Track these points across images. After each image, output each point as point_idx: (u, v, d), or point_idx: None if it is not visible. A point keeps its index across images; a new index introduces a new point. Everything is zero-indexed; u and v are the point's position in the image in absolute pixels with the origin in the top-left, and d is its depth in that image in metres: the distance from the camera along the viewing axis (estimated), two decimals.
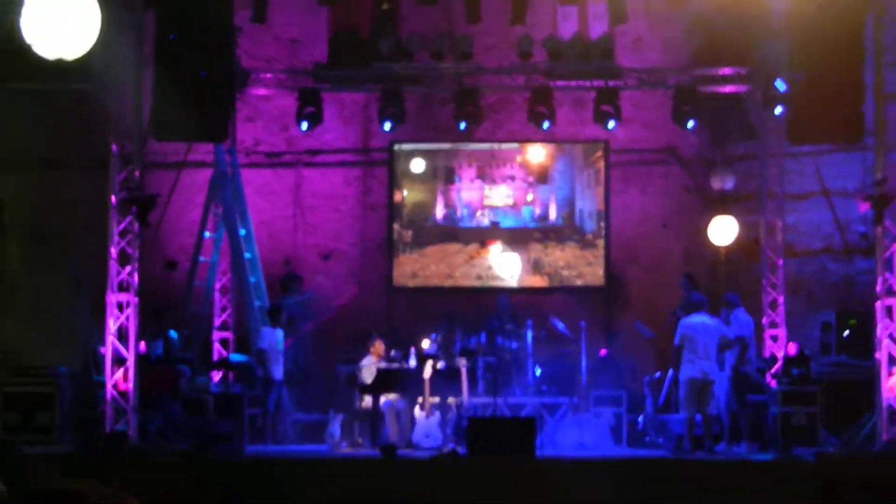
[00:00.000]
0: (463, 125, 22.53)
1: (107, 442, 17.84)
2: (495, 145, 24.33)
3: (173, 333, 20.33)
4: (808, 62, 18.77)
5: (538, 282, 24.06)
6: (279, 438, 20.37)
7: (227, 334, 22.63)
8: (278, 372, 20.60)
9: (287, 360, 21.11)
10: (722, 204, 23.90)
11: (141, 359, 18.76)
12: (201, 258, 22.27)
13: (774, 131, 22.36)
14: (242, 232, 22.17)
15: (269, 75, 23.35)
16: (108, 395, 18.19)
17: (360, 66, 22.65)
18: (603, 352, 21.77)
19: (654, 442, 20.02)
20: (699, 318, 18.91)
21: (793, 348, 20.82)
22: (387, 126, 22.62)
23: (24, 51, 17.59)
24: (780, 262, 22.49)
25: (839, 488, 15.75)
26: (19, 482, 7.46)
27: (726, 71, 22.66)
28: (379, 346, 20.54)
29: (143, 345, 19.17)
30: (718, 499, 16.32)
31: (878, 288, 18.50)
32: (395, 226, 24.30)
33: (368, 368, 20.10)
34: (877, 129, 18.77)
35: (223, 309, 22.68)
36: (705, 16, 23.49)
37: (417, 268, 24.20)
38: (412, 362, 19.91)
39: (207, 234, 22.23)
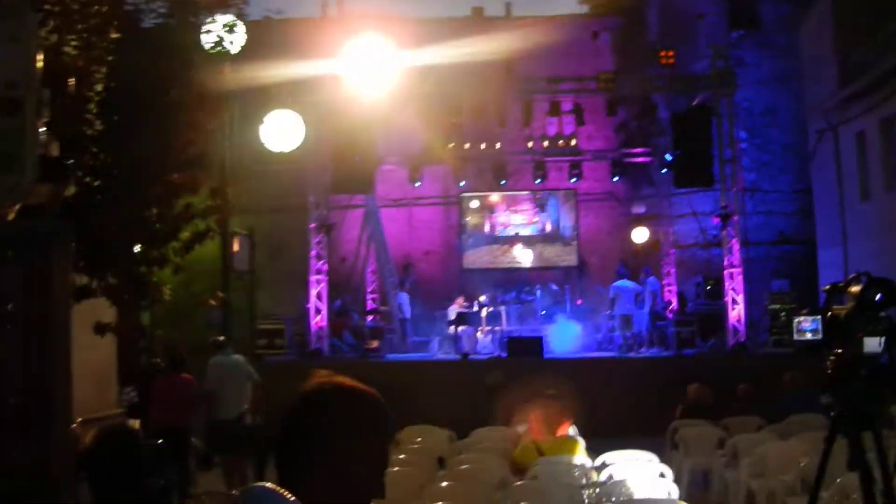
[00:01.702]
0: (503, 182, 22.25)
1: (310, 355, 17.79)
2: (516, 193, 23.97)
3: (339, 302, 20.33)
4: (686, 146, 18.57)
5: (542, 264, 23.71)
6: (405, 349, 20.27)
7: (375, 296, 22.38)
8: (408, 314, 20.72)
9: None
10: (638, 221, 23.61)
11: (330, 311, 18.81)
12: (360, 256, 22.15)
13: (665, 181, 22.00)
14: (382, 241, 22.01)
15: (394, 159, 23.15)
16: (313, 328, 18.18)
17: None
18: (578, 301, 21.48)
19: (607, 348, 19.72)
20: (623, 283, 18.83)
21: (679, 297, 20.61)
22: (461, 183, 22.44)
23: (262, 146, 17.37)
24: (672, 251, 22.19)
25: (710, 372, 15.52)
26: None
27: (638, 150, 22.30)
28: (460, 299, 20.43)
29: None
30: (642, 377, 16.19)
31: (725, 263, 18.33)
32: (463, 236, 24.08)
33: (453, 311, 20.01)
34: (721, 179, 18.61)
35: (372, 282, 22.49)
36: (625, 122, 23.15)
37: (475, 258, 23.88)
38: (475, 308, 19.74)
39: (363, 243, 22.11)
